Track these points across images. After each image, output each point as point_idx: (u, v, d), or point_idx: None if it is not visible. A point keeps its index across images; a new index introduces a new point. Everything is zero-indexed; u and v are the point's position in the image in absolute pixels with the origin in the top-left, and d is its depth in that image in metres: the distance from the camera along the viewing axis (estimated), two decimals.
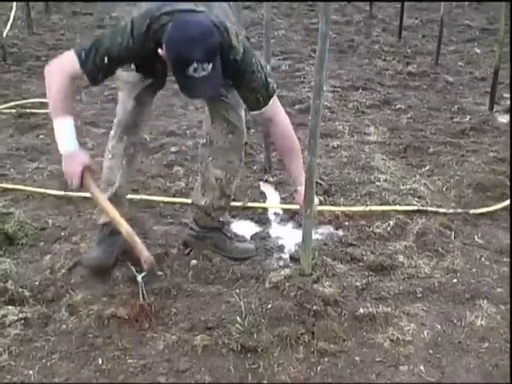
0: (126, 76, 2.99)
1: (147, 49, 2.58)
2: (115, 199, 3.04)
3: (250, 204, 3.81)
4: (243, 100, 2.81)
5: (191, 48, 2.41)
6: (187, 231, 3.36)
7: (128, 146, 3.08)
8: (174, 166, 4.37)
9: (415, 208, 3.72)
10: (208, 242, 3.30)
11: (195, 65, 2.42)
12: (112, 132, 3.13)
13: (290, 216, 3.69)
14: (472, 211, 3.72)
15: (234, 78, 2.70)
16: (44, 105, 5.50)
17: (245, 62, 2.65)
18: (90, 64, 2.63)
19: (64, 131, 2.80)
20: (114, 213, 2.78)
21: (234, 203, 3.64)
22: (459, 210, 3.72)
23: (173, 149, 4.69)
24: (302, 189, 2.81)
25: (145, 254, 2.65)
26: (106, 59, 2.61)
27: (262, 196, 3.95)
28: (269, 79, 2.76)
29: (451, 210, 3.71)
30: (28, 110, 5.39)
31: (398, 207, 3.73)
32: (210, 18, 2.60)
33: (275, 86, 2.79)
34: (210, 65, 2.46)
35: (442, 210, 3.71)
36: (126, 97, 3.05)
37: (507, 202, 3.79)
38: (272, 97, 2.76)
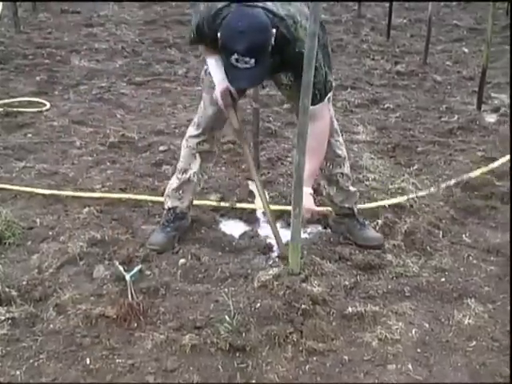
0: (209, 81, 3.13)
1: (213, 31, 2.76)
2: (187, 185, 3.34)
3: (238, 205, 3.81)
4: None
5: (236, 39, 2.58)
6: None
7: (201, 142, 3.30)
8: (163, 165, 4.36)
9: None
10: (342, 227, 3.44)
11: (236, 56, 2.59)
12: (192, 123, 3.37)
13: (278, 215, 3.69)
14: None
15: (296, 69, 2.73)
16: (32, 104, 5.49)
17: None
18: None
19: (212, 68, 3.06)
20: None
21: (219, 204, 3.65)
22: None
23: (161, 148, 4.68)
24: (305, 190, 2.86)
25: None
26: (194, 31, 2.98)
27: (251, 195, 3.95)
28: (328, 77, 2.87)
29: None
30: (15, 109, 5.35)
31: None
32: (280, 10, 2.74)
33: (333, 84, 2.92)
34: (253, 60, 2.60)
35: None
36: (208, 101, 3.22)
37: None
38: (328, 94, 2.89)
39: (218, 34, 2.68)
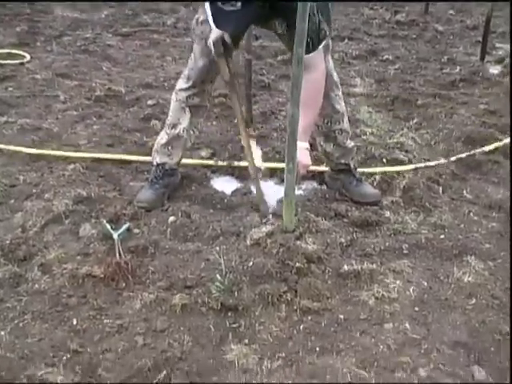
0: (201, 31, 3.09)
1: None
2: (176, 140, 3.33)
3: (222, 163, 3.79)
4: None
5: None
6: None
7: (191, 96, 3.25)
8: (151, 120, 4.33)
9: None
10: (338, 183, 3.45)
11: None
12: (182, 76, 3.31)
13: (272, 171, 3.67)
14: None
15: (288, 17, 2.72)
16: (12, 56, 5.41)
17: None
18: None
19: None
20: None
21: (209, 161, 3.62)
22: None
23: (149, 102, 4.65)
24: (301, 145, 2.83)
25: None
26: None
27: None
28: (322, 25, 2.81)
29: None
30: None
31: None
32: None
33: (328, 32, 2.86)
34: (239, 3, 2.58)
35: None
36: (198, 53, 3.18)
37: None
38: (322, 42, 2.84)
39: None
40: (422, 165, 3.70)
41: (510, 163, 3.72)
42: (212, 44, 2.94)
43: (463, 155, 3.82)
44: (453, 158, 3.79)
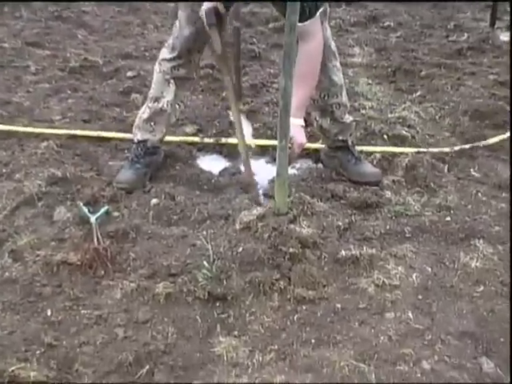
0: None
1: None
2: (159, 115, 3.31)
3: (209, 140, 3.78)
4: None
5: None
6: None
7: (176, 67, 3.24)
8: (132, 93, 4.32)
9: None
10: (335, 161, 3.45)
11: None
12: (165, 45, 3.29)
13: (263, 149, 3.67)
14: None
15: None
16: None
17: None
18: None
19: None
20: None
21: (195, 138, 3.61)
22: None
23: (129, 73, 4.63)
24: (296, 122, 2.84)
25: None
26: None
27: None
28: None
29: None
30: None
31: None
32: None
33: None
34: None
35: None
36: (184, 20, 3.17)
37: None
38: (319, 8, 2.82)
39: None
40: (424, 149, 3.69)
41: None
42: (204, 13, 2.92)
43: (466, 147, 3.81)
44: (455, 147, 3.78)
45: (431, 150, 3.66)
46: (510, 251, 2.87)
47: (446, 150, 3.66)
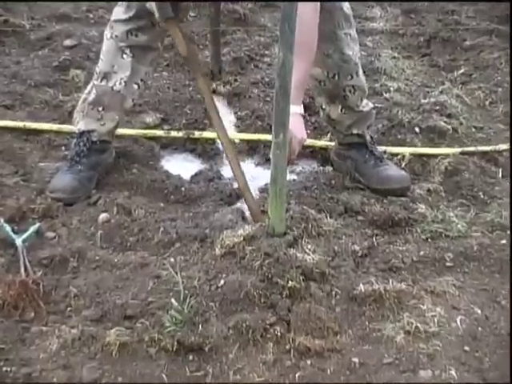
0: None
1: None
2: (110, 97, 3.31)
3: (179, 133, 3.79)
4: None
5: None
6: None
7: (134, 31, 3.23)
8: (70, 69, 4.32)
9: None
10: (349, 163, 3.48)
11: None
12: (118, 2, 3.30)
13: (251, 146, 3.68)
14: None
15: None
16: None
17: None
18: None
19: None
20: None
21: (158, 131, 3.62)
22: None
23: (67, 42, 4.63)
24: (292, 109, 2.82)
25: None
26: None
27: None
28: None
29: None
30: None
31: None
32: None
33: None
34: None
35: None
36: None
37: None
38: None
39: None
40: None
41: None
42: (156, 4, 2.91)
43: None
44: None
45: (480, 148, 3.67)
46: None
47: (502, 147, 3.67)
